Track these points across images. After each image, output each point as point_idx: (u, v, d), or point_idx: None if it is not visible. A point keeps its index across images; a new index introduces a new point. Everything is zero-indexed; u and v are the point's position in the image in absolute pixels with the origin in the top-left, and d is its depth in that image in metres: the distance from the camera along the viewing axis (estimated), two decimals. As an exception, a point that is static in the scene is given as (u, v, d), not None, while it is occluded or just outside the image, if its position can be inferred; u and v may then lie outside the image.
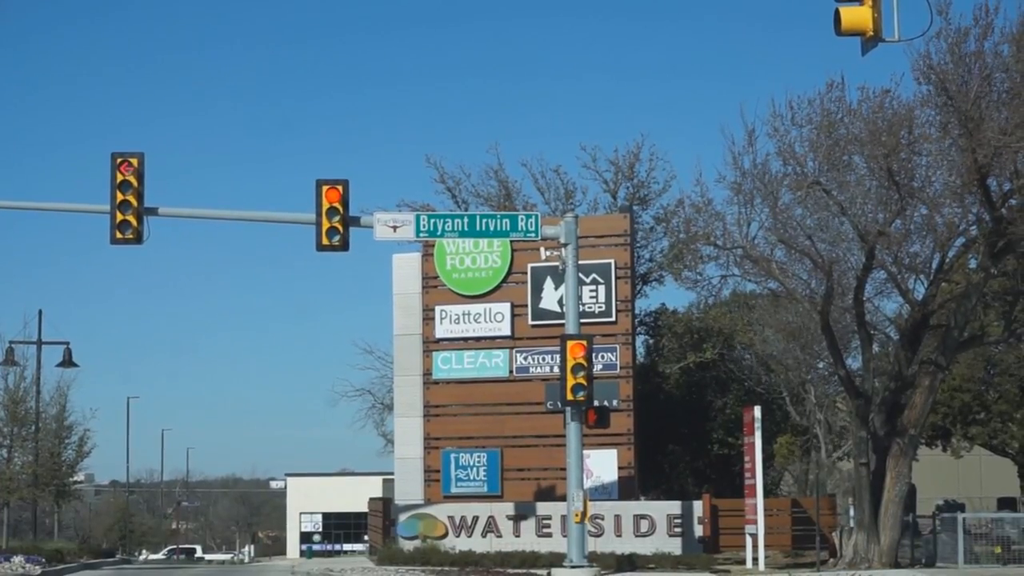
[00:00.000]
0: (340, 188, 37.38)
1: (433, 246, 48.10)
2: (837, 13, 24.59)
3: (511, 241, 45.42)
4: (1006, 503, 58.49)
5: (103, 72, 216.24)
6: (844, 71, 38.98)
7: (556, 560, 39.76)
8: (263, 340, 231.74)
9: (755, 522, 40.84)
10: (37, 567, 45.92)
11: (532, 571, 40.66)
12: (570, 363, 38.04)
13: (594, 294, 46.76)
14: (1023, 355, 51.40)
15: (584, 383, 38.04)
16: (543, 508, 45.79)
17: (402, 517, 47.55)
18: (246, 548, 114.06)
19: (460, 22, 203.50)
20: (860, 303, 40.47)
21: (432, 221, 39.22)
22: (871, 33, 24.67)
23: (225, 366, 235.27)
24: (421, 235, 39.48)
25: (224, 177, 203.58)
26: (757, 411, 41.26)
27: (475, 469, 47.98)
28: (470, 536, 46.06)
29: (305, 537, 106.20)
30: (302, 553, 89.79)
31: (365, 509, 63.60)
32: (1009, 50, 35.17)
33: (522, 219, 39.53)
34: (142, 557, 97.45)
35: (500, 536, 45.82)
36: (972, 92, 34.85)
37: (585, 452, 40.64)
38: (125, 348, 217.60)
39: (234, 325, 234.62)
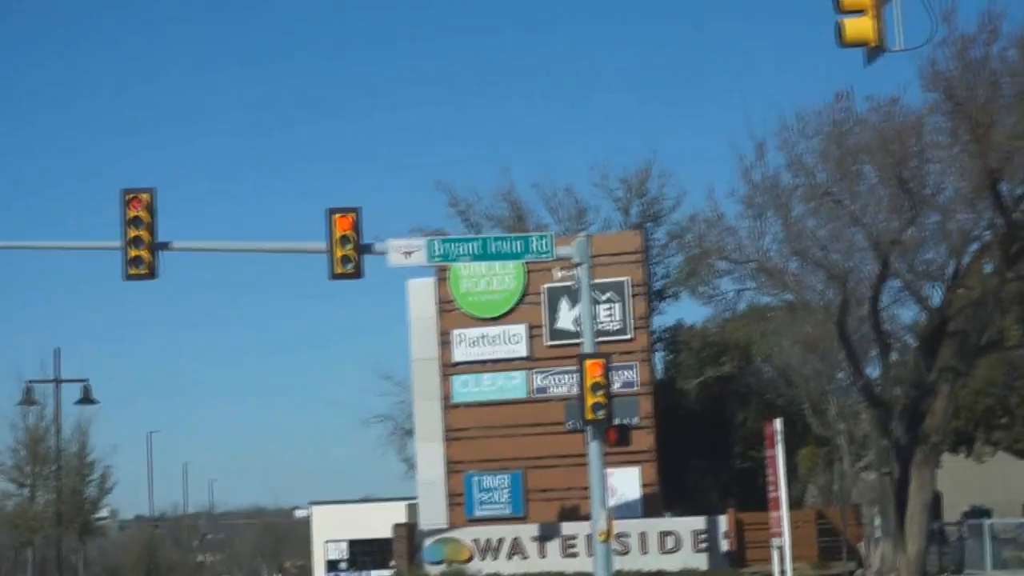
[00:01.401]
0: (352, 216, 37.24)
1: (447, 270, 48.10)
2: (839, 25, 24.50)
3: (525, 263, 45.40)
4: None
5: (109, 105, 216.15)
6: (852, 81, 39.08)
7: (583, 580, 39.76)
8: (281, 370, 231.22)
9: (781, 535, 40.70)
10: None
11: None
12: (588, 382, 37.96)
13: (610, 312, 46.72)
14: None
15: (603, 401, 37.95)
16: (568, 528, 45.72)
17: (427, 542, 47.52)
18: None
19: (465, 43, 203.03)
20: (876, 312, 40.43)
21: (445, 246, 39.14)
22: (874, 43, 24.59)
23: (244, 397, 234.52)
24: (434, 260, 39.36)
25: (234, 209, 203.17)
26: (778, 423, 41.18)
27: (498, 491, 47.92)
28: (496, 559, 46.03)
29: (331, 565, 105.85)
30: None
31: (390, 535, 63.45)
32: (1016, 54, 35.15)
33: (535, 240, 39.43)
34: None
35: (526, 558, 45.78)
36: (980, 97, 34.84)
37: (608, 470, 40.50)
38: (144, 383, 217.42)
39: (252, 355, 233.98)
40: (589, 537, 40.70)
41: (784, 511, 40.95)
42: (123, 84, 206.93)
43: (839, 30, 24.47)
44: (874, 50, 24.76)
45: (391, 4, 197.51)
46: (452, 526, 47.90)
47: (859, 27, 24.40)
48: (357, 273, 37.31)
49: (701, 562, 44.31)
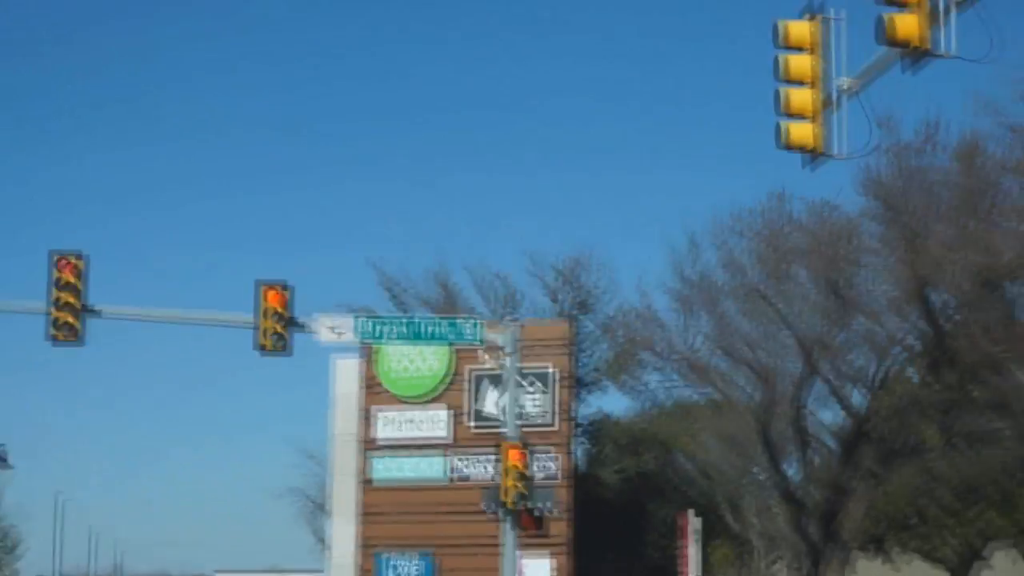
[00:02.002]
0: (280, 289, 36.83)
1: (375, 349, 47.79)
2: (781, 128, 24.47)
3: (452, 345, 45.16)
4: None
5: (40, 170, 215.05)
6: (788, 180, 39.28)
7: (491, 670, 39.30)
8: (197, 439, 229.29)
9: (693, 631, 40.60)
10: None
11: None
12: (508, 468, 37.75)
13: (535, 400, 46.52)
14: (960, 466, 51.49)
15: (522, 489, 37.74)
16: (478, 615, 45.32)
17: (334, 621, 46.96)
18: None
19: (399, 122, 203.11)
20: (799, 412, 40.55)
21: (376, 326, 38.86)
22: (815, 149, 24.61)
23: (158, 463, 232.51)
24: (363, 339, 39.13)
25: (160, 277, 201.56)
26: (691, 515, 41.21)
27: (409, 574, 47.38)
28: (403, 643, 45.51)
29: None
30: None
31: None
32: (953, 165, 35.49)
33: (465, 325, 39.27)
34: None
35: (433, 643, 45.31)
36: (915, 206, 35.13)
37: (522, 559, 40.25)
38: (55, 445, 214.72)
39: (168, 424, 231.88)
40: (499, 626, 40.34)
41: (697, 606, 40.88)
42: (59, 147, 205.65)
43: (781, 134, 24.44)
44: (815, 156, 24.78)
45: (330, 79, 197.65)
46: (362, 606, 47.38)
47: (801, 133, 24.34)
48: (285, 349, 36.86)
49: (612, 655, 44.00)
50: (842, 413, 43.27)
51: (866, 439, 41.05)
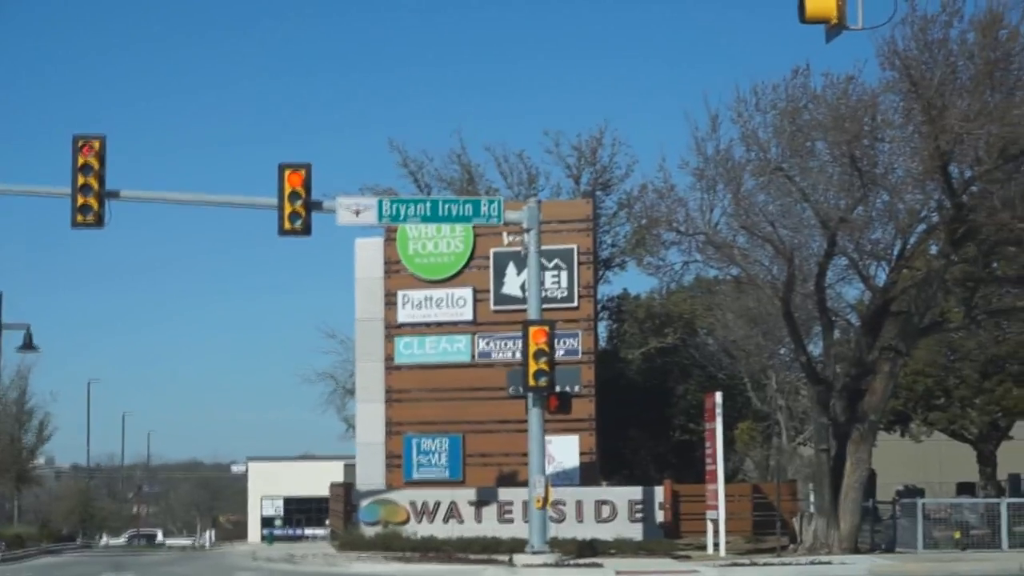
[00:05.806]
0: (302, 172, 37.10)
1: (396, 231, 47.90)
2: (801, 1, 24.44)
3: (473, 226, 45.30)
4: (965, 488, 58.76)
5: (66, 55, 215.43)
6: (809, 56, 39.11)
7: (518, 546, 39.71)
8: (225, 324, 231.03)
9: (716, 508, 40.94)
10: (-3, 552, 45.67)
11: (494, 556, 40.57)
12: (532, 349, 37.99)
13: (556, 279, 46.66)
14: (983, 341, 51.55)
15: (546, 369, 37.99)
16: (505, 494, 45.75)
17: (363, 503, 47.45)
18: (207, 533, 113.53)
19: (423, 7, 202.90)
20: (821, 289, 40.51)
21: (395, 206, 39.06)
22: (836, 20, 24.57)
23: (187, 350, 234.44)
24: (384, 220, 39.34)
25: (186, 162, 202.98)
26: (718, 397, 41.40)
27: (437, 455, 47.85)
28: (432, 522, 45.99)
29: (266, 522, 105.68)
30: (263, 538, 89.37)
31: (327, 494, 63.43)
32: (975, 38, 35.21)
33: (485, 204, 39.41)
34: (103, 542, 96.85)
35: (462, 522, 45.77)
36: (936, 79, 34.89)
37: (547, 438, 40.57)
38: (86, 331, 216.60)
39: (196, 309, 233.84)
40: (526, 503, 40.73)
41: (720, 484, 41.16)
42: (85, 35, 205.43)
43: (801, 6, 24.42)
44: (835, 27, 24.74)
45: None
46: (389, 487, 47.82)
47: (821, 4, 24.38)
48: (306, 230, 37.14)
49: (636, 532, 44.41)
50: (864, 290, 43.28)
51: (888, 315, 40.99)
